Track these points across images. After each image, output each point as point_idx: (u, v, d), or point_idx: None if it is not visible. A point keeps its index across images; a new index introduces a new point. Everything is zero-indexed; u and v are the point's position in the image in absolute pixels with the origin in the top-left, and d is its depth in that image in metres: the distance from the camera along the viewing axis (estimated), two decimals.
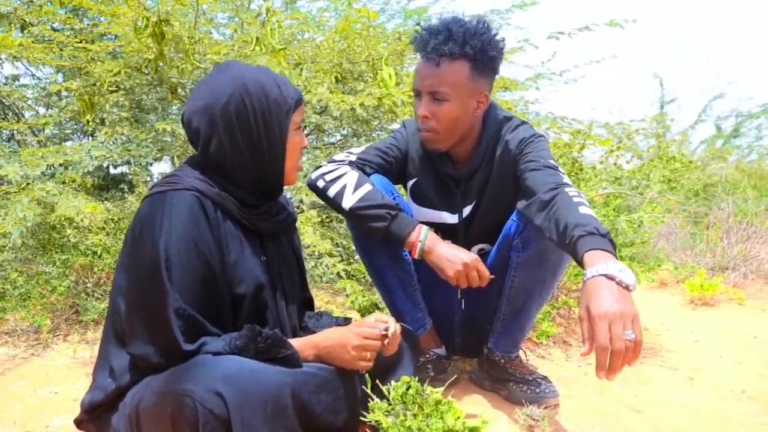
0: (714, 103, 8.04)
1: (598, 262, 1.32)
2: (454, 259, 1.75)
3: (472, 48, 1.77)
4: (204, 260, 1.33)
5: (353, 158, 1.96)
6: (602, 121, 4.73)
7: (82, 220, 2.33)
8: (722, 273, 4.36)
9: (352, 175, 1.86)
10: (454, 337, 2.19)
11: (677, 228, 5.18)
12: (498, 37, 1.84)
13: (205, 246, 1.33)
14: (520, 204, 1.79)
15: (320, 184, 1.89)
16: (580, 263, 1.38)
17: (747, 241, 4.63)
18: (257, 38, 3.01)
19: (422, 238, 1.78)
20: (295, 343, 1.40)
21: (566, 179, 1.73)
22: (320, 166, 1.95)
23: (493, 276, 1.80)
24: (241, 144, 1.40)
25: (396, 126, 3.65)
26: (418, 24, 1.91)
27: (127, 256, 1.37)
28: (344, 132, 4.42)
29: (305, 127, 4.03)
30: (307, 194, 3.13)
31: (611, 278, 1.28)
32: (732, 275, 4.34)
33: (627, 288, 1.28)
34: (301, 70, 3.43)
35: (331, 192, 1.85)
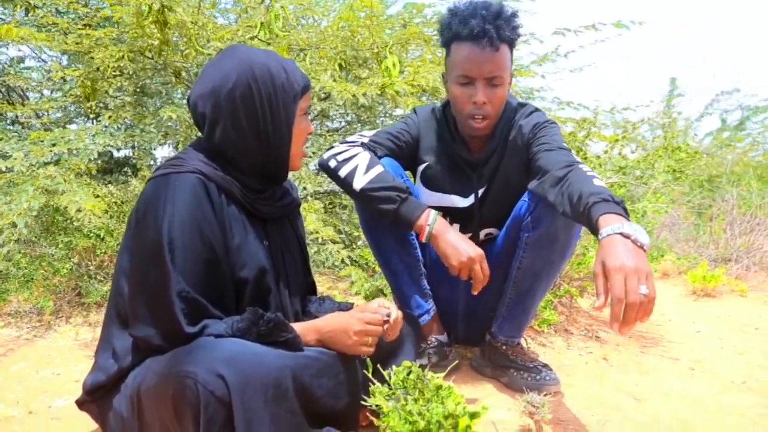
0: (718, 98, 8.02)
1: (614, 222, 1.35)
2: (461, 249, 1.75)
3: (514, 32, 1.83)
4: (207, 243, 1.33)
5: (365, 140, 1.97)
6: (607, 108, 4.70)
7: (84, 215, 2.33)
8: (725, 264, 4.36)
9: (364, 156, 1.86)
10: (457, 325, 2.20)
11: (681, 219, 5.17)
12: (517, 15, 1.87)
13: (208, 229, 1.33)
14: (532, 183, 1.80)
15: (332, 164, 1.89)
16: (595, 226, 1.40)
17: (750, 233, 4.62)
18: (261, 23, 2.99)
19: (431, 222, 1.78)
20: (297, 327, 1.41)
21: (579, 160, 1.75)
22: (332, 147, 1.95)
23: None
24: (246, 129, 1.40)
25: (400, 111, 3.65)
26: (451, 12, 1.87)
27: (131, 238, 1.37)
28: (348, 118, 4.41)
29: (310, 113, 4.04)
30: (310, 182, 3.13)
31: (627, 236, 1.31)
32: (734, 267, 4.33)
33: (642, 247, 1.31)
34: (306, 56, 3.42)
35: (342, 172, 1.85)
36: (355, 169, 1.84)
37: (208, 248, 1.33)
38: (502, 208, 2.03)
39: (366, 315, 1.46)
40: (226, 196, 1.41)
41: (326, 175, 1.95)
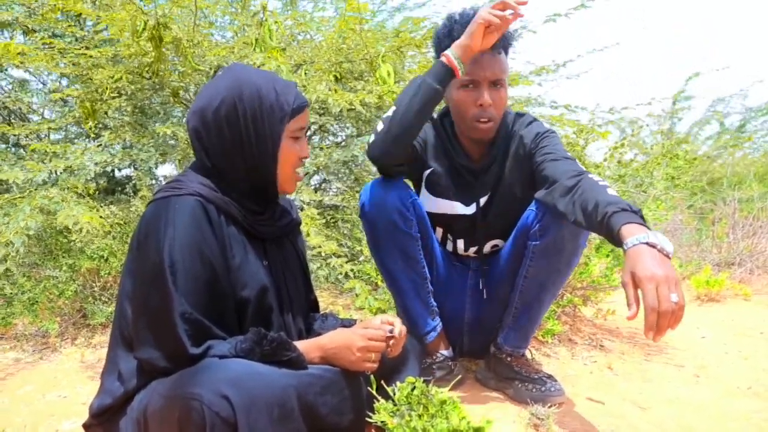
0: (716, 102, 8.03)
1: (638, 232, 1.37)
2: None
3: (508, 38, 1.92)
4: (208, 264, 1.34)
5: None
6: (606, 109, 4.71)
7: (81, 230, 2.34)
8: (728, 268, 4.36)
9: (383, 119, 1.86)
10: (462, 337, 2.21)
11: (683, 224, 5.17)
12: None
13: (208, 250, 1.34)
14: (540, 193, 1.82)
15: (372, 148, 1.86)
16: (616, 236, 1.42)
17: (753, 236, 4.63)
18: (256, 39, 3.02)
19: (452, 55, 1.80)
20: (301, 345, 1.41)
21: (585, 169, 1.76)
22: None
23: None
24: (231, 149, 1.41)
25: None
26: (451, 19, 1.92)
27: (132, 261, 1.38)
28: (348, 132, 4.43)
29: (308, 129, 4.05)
30: (307, 194, 3.13)
31: (653, 246, 1.34)
32: (738, 271, 4.33)
33: (667, 255, 1.34)
34: (304, 71, 3.45)
35: (378, 133, 1.84)
36: (385, 119, 1.84)
37: (209, 269, 1.34)
38: (505, 218, 2.04)
39: (369, 331, 1.47)
40: (225, 217, 1.42)
41: (376, 158, 1.88)
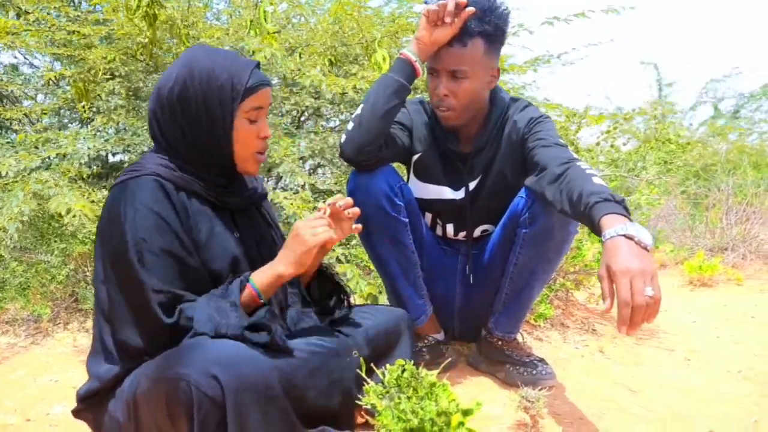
0: (711, 86, 8.03)
1: (616, 223, 1.35)
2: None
3: (488, 24, 1.79)
4: (173, 240, 1.34)
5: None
6: (598, 106, 4.71)
7: (72, 215, 2.32)
8: (721, 254, 4.37)
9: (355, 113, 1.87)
10: (453, 321, 2.21)
11: (676, 209, 5.18)
12: (504, 7, 1.83)
13: (171, 226, 1.35)
14: (530, 180, 1.80)
15: (346, 143, 1.85)
16: (597, 227, 1.40)
17: (746, 222, 4.64)
18: (251, 21, 2.99)
19: (408, 50, 1.84)
20: (260, 273, 1.42)
21: (576, 156, 1.75)
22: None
23: None
24: (185, 128, 1.41)
25: None
26: (425, 2, 1.88)
27: (99, 247, 1.39)
28: (342, 116, 4.41)
29: (300, 113, 4.03)
30: (301, 177, 3.12)
31: (630, 238, 1.31)
32: (731, 256, 4.35)
33: (645, 248, 1.31)
34: (299, 54, 3.42)
35: (349, 130, 1.85)
36: (355, 117, 1.85)
37: (175, 244, 1.34)
38: (496, 203, 2.02)
39: (305, 221, 1.46)
40: (186, 193, 1.41)
41: (347, 156, 1.88)
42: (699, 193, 5.25)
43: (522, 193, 1.92)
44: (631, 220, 1.38)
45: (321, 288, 1.67)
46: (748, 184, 4.95)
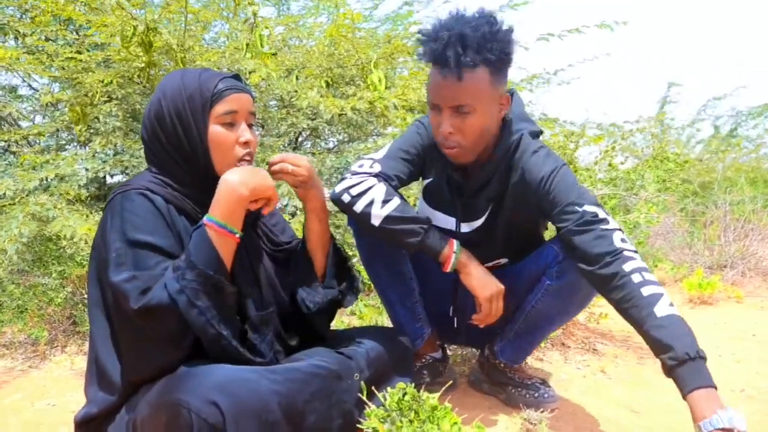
0: (711, 103, 8.06)
1: (708, 410, 1.37)
2: (488, 282, 1.77)
3: (491, 52, 1.59)
4: (159, 237, 1.34)
5: (378, 167, 1.80)
6: (596, 123, 4.73)
7: (71, 238, 2.32)
8: (720, 271, 4.36)
9: (380, 189, 1.73)
10: (460, 337, 2.20)
11: (675, 227, 5.18)
12: (507, 29, 1.64)
13: (158, 230, 1.35)
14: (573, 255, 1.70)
15: (345, 198, 1.75)
16: (684, 397, 1.44)
17: (745, 239, 4.64)
18: (247, 44, 3.01)
19: (456, 250, 1.76)
20: (216, 206, 1.37)
21: (610, 224, 1.65)
22: (344, 179, 1.80)
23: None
24: (167, 145, 1.42)
25: (391, 129, 3.64)
26: (419, 32, 1.70)
27: (94, 265, 1.39)
28: (340, 137, 4.43)
29: (297, 134, 4.04)
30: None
31: None
32: (730, 273, 4.34)
33: None
34: (296, 76, 3.44)
35: (358, 207, 1.72)
36: (372, 203, 1.72)
37: (162, 242, 1.34)
38: (508, 241, 1.95)
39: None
40: (176, 209, 1.42)
41: (339, 209, 1.82)
42: (697, 210, 5.26)
43: (554, 243, 1.85)
44: (714, 386, 1.42)
45: (336, 271, 1.70)
46: (745, 201, 4.96)
